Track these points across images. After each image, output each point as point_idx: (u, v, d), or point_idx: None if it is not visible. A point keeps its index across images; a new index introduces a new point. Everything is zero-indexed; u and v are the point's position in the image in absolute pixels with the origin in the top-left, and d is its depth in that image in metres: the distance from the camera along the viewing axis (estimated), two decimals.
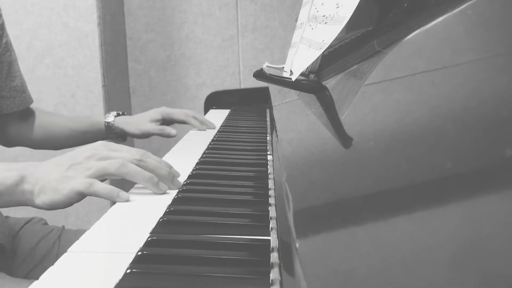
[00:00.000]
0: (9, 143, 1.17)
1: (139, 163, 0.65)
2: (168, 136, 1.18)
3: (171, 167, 0.69)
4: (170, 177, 0.67)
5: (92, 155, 0.65)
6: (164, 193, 0.66)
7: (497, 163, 0.25)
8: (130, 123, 1.19)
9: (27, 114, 1.14)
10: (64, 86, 1.81)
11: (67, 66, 1.80)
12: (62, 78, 1.80)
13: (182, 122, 1.21)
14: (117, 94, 1.98)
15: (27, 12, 1.75)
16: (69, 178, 0.63)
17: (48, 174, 0.64)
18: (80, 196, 0.63)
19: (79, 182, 0.62)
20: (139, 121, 1.19)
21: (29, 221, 1.00)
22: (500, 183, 0.24)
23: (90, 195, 0.62)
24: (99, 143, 0.69)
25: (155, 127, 1.18)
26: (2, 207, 0.67)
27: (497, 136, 0.27)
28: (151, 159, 0.67)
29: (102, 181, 0.64)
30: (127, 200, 0.64)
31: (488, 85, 0.31)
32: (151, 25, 2.11)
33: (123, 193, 0.64)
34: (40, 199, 0.63)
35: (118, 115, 1.20)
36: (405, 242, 0.28)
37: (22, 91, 1.09)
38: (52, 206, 0.63)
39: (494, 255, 0.22)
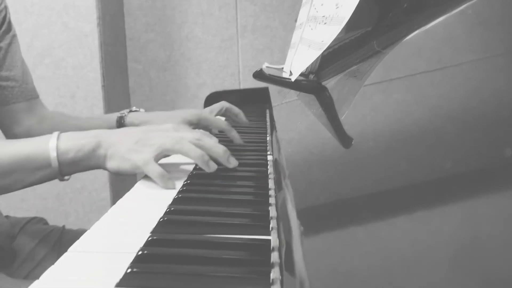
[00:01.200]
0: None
1: (197, 142, 0.71)
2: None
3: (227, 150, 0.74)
4: (225, 155, 0.73)
5: (159, 134, 0.72)
6: (214, 171, 0.71)
7: (497, 163, 0.25)
8: (150, 121, 1.01)
9: (42, 114, 1.07)
10: (64, 86, 1.81)
11: (67, 66, 1.80)
12: (62, 78, 1.80)
13: (221, 131, 1.01)
14: (117, 94, 1.98)
15: (27, 12, 1.75)
16: (135, 151, 0.70)
17: (119, 143, 0.71)
18: (139, 169, 0.70)
19: (140, 157, 0.69)
20: (170, 120, 0.97)
21: (29, 221, 1.00)
22: (500, 183, 0.24)
23: (144, 172, 0.69)
24: (169, 124, 0.75)
25: (194, 133, 0.94)
26: (81, 171, 0.73)
27: (497, 136, 0.27)
28: (208, 139, 0.73)
29: (164, 156, 0.72)
30: (173, 188, 0.68)
31: (488, 85, 0.31)
32: (151, 25, 2.11)
33: (171, 183, 0.69)
34: (110, 164, 0.71)
35: (132, 111, 1.04)
36: (405, 242, 0.28)
37: (23, 81, 1.03)
38: (119, 172, 0.71)
39: (494, 255, 0.22)
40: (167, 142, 0.70)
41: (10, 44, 1.01)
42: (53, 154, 0.69)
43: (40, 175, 0.70)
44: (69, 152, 0.70)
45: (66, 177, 0.73)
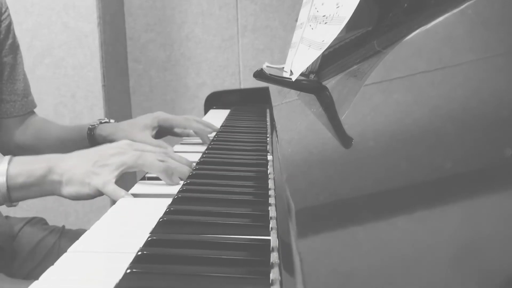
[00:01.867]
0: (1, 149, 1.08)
1: (160, 157, 0.70)
2: (210, 141, 0.99)
3: (191, 165, 0.74)
4: (184, 170, 0.72)
5: (117, 153, 0.70)
6: (177, 184, 0.70)
7: (497, 163, 0.25)
8: (115, 133, 0.99)
9: (26, 120, 1.07)
10: (64, 86, 1.81)
11: (67, 66, 1.80)
12: (62, 78, 1.80)
13: (183, 128, 1.04)
14: (117, 94, 1.98)
15: (27, 12, 1.75)
16: (94, 173, 0.67)
17: (75, 167, 0.68)
18: (99, 192, 0.67)
19: (99, 180, 0.67)
20: (130, 129, 0.99)
21: (29, 221, 1.00)
22: (500, 183, 0.24)
23: (104, 193, 0.67)
24: (125, 141, 0.73)
25: (151, 140, 0.96)
26: (32, 198, 0.71)
27: (497, 136, 0.27)
28: (172, 160, 0.72)
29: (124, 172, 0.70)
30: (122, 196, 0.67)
31: (488, 85, 0.31)
32: (151, 25, 2.11)
33: (121, 193, 0.67)
34: (66, 190, 0.68)
35: (102, 122, 1.03)
36: (405, 242, 0.28)
37: (24, 95, 1.03)
38: (78, 198, 0.68)
39: (494, 255, 0.22)
40: (128, 159, 0.68)
41: (15, 57, 1.01)
42: (1, 179, 0.67)
43: None
44: (19, 177, 0.67)
45: (14, 203, 0.70)
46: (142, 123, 0.99)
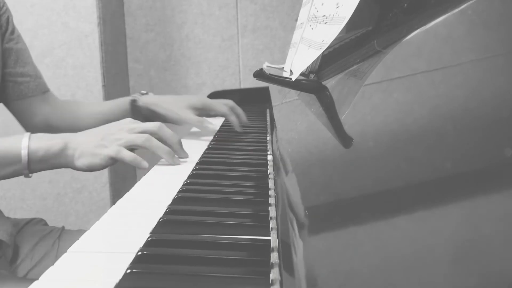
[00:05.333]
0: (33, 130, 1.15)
1: (158, 132, 0.79)
2: (205, 130, 1.05)
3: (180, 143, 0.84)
4: (179, 146, 0.82)
5: (123, 128, 0.79)
6: (179, 164, 0.81)
7: (497, 163, 0.25)
8: (159, 104, 1.06)
9: (54, 105, 1.12)
10: (64, 86, 1.81)
11: (67, 66, 1.80)
12: (62, 78, 1.80)
13: (222, 115, 1.08)
14: (117, 94, 1.98)
15: (27, 12, 1.75)
16: (104, 146, 0.77)
17: (86, 142, 0.77)
18: (112, 160, 0.76)
19: (111, 149, 0.76)
20: (176, 104, 1.05)
21: (29, 221, 1.00)
22: (500, 183, 0.24)
23: (118, 160, 0.76)
24: (127, 119, 0.82)
25: (194, 117, 1.03)
26: (48, 169, 0.80)
27: (497, 136, 0.27)
28: (167, 133, 0.81)
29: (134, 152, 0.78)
30: (145, 168, 0.78)
31: (488, 85, 0.31)
32: (151, 25, 2.11)
33: (144, 163, 0.77)
34: (80, 162, 0.77)
35: (143, 94, 1.10)
36: (405, 242, 0.28)
37: (36, 76, 1.08)
38: (90, 168, 0.78)
39: (494, 255, 0.22)
40: (137, 138, 0.77)
41: (17, 43, 1.06)
42: (24, 152, 0.76)
43: (9, 170, 0.78)
44: (39, 151, 0.76)
45: (30, 175, 0.79)
46: (186, 102, 1.05)
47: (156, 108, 1.05)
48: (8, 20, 1.05)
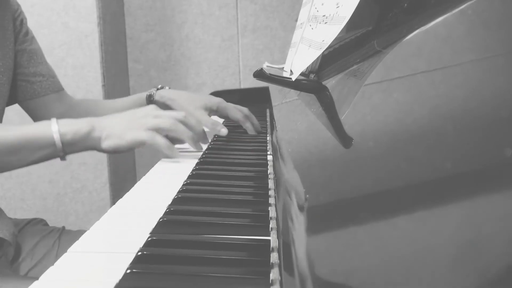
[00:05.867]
0: None
1: (184, 120, 0.82)
2: (217, 134, 0.99)
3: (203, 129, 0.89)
4: (203, 134, 0.88)
5: (148, 113, 0.81)
6: (201, 150, 0.86)
7: (497, 163, 0.25)
8: (176, 100, 1.05)
9: (69, 103, 1.13)
10: (64, 86, 1.79)
11: (67, 66, 1.80)
12: (62, 78, 1.79)
13: (235, 121, 1.06)
14: (117, 94, 1.98)
15: (27, 12, 1.74)
16: (131, 129, 0.80)
17: (112, 124, 0.80)
18: (141, 144, 0.79)
19: (143, 134, 0.79)
20: (192, 103, 1.03)
21: (29, 222, 1.00)
22: (500, 183, 0.24)
23: (151, 145, 0.79)
24: (152, 106, 0.85)
25: (208, 119, 1.00)
26: (77, 152, 0.82)
27: (497, 136, 0.27)
28: (192, 120, 0.84)
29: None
30: (177, 157, 0.81)
31: (488, 85, 0.31)
32: (151, 25, 2.11)
33: (176, 151, 0.81)
34: (106, 143, 0.80)
35: (159, 89, 1.10)
36: (405, 242, 0.28)
37: (49, 75, 1.09)
38: (116, 150, 0.80)
39: (494, 255, 0.22)
40: (163, 123, 0.80)
41: (31, 44, 1.08)
42: (56, 135, 0.78)
43: (42, 154, 0.79)
44: (68, 134, 0.79)
45: (65, 157, 0.81)
46: (203, 102, 1.04)
47: (172, 104, 1.05)
48: (22, 22, 1.07)
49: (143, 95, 1.10)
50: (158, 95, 1.07)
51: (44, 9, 1.76)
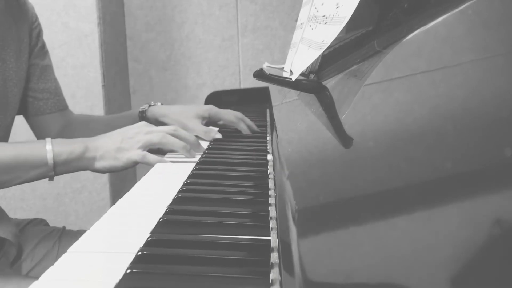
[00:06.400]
0: None
1: (174, 133, 0.84)
2: (211, 140, 1.01)
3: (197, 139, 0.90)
4: (196, 143, 0.88)
5: (139, 131, 0.83)
6: (194, 157, 0.85)
7: (497, 163, 0.25)
8: (168, 115, 1.05)
9: (68, 119, 1.13)
10: (64, 86, 1.79)
11: (67, 66, 1.80)
12: (62, 78, 1.80)
13: (230, 124, 1.08)
14: (117, 94, 1.98)
15: None
16: (125, 149, 0.82)
17: (106, 145, 0.82)
18: (135, 164, 0.82)
19: (135, 154, 0.81)
20: (183, 115, 1.04)
21: (29, 222, 1.00)
22: (500, 183, 0.24)
23: (144, 163, 0.82)
24: (142, 123, 0.88)
25: (201, 127, 1.02)
26: (70, 172, 0.83)
27: (497, 136, 0.27)
28: (182, 132, 0.86)
29: (148, 151, 0.83)
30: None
31: (488, 85, 0.31)
32: (151, 25, 2.11)
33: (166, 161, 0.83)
34: (100, 164, 0.82)
35: (151, 105, 1.10)
36: (405, 242, 0.28)
37: (55, 94, 1.10)
38: (110, 171, 0.83)
39: (494, 255, 0.22)
40: (153, 138, 0.82)
41: (44, 59, 1.08)
42: (49, 155, 0.79)
43: (34, 174, 0.80)
44: (62, 154, 0.80)
45: (54, 177, 0.83)
46: (194, 112, 1.05)
47: (165, 120, 1.05)
48: (39, 35, 1.07)
49: (135, 111, 1.11)
50: (150, 112, 1.08)
51: (44, 9, 1.75)
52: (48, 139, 0.81)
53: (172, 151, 0.88)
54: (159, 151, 0.88)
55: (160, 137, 0.82)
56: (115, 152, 0.81)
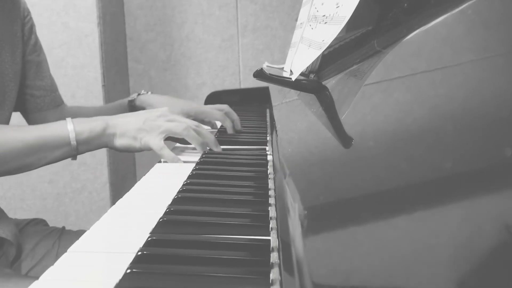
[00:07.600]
0: None
1: (196, 129, 0.85)
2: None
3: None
4: (215, 142, 0.88)
5: (162, 115, 0.84)
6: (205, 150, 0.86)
7: (497, 163, 0.25)
8: (154, 105, 1.06)
9: (64, 113, 1.14)
10: (64, 86, 1.81)
11: (67, 66, 1.80)
12: (62, 78, 1.80)
13: (216, 121, 1.10)
14: (117, 94, 1.98)
15: None
16: (146, 131, 0.82)
17: (127, 123, 0.83)
18: (148, 148, 0.82)
19: (154, 140, 0.81)
20: (169, 107, 1.05)
21: (29, 222, 1.00)
22: (500, 183, 0.24)
23: (158, 155, 0.82)
24: (165, 108, 0.87)
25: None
26: (92, 150, 0.84)
27: (497, 136, 0.27)
28: (203, 129, 0.87)
29: (167, 139, 0.84)
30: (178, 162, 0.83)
31: (488, 85, 0.31)
32: (151, 25, 2.11)
33: (178, 160, 0.83)
34: (119, 142, 0.83)
35: (140, 94, 1.12)
36: (405, 242, 0.28)
37: (51, 90, 1.11)
38: (128, 150, 0.84)
39: (494, 255, 0.22)
40: (175, 127, 0.83)
41: (39, 55, 1.08)
42: (72, 135, 0.80)
43: (58, 154, 0.81)
44: (84, 133, 0.81)
45: (77, 156, 0.83)
46: (179, 108, 1.04)
47: (150, 109, 1.02)
48: (32, 30, 1.06)
49: (125, 101, 1.13)
50: (139, 101, 1.10)
51: (44, 9, 1.76)
52: (69, 119, 0.82)
53: (184, 142, 0.90)
54: (170, 137, 0.87)
55: (182, 128, 0.83)
56: (135, 131, 0.82)
